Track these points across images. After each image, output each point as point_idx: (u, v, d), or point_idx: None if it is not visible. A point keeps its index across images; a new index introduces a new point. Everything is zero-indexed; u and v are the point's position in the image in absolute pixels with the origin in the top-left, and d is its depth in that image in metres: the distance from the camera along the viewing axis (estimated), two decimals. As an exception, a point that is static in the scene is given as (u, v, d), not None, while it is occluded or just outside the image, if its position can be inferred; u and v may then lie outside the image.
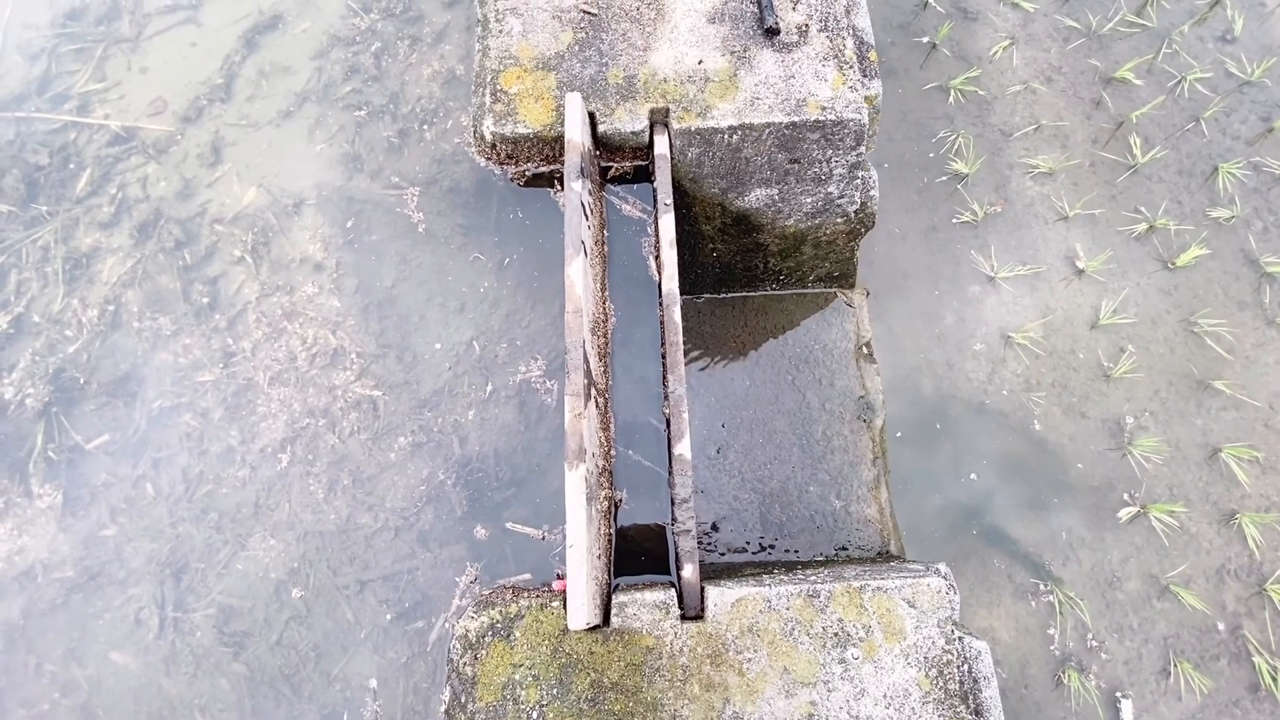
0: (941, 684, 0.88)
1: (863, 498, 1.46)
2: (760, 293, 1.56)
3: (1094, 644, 1.40)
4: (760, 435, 1.47)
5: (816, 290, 1.58)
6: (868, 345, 1.58)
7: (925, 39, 1.84)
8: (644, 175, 1.25)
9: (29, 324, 1.22)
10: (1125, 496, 1.50)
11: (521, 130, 1.13)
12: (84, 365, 1.21)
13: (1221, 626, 1.44)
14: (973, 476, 1.50)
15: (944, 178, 1.70)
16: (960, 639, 0.90)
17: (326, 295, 1.24)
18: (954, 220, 1.67)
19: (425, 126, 1.34)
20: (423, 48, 1.39)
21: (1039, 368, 1.57)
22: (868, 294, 1.61)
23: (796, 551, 1.42)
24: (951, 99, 1.77)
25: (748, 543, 1.41)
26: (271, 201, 1.30)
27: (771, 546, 1.41)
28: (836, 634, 0.89)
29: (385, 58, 1.38)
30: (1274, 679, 1.38)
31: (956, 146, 1.72)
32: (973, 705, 0.87)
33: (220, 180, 1.31)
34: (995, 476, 1.50)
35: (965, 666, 0.89)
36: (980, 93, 1.79)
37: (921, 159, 1.73)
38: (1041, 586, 1.44)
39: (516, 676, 0.87)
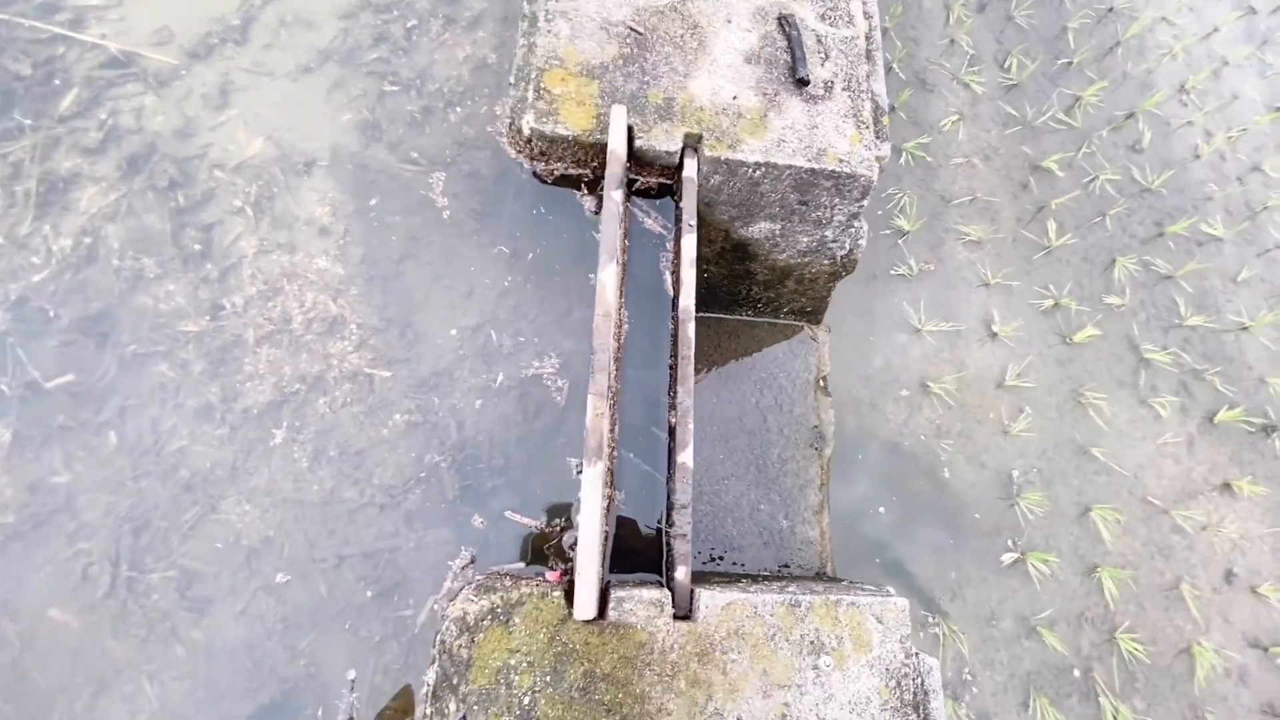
0: (898, 694, 0.98)
1: (808, 520, 1.55)
2: (736, 316, 1.64)
3: (968, 676, 1.55)
4: (721, 451, 1.54)
5: (787, 322, 1.67)
6: (825, 379, 1.68)
7: (887, 100, 2.00)
8: (665, 191, 1.31)
9: (-12, 243, 1.11)
10: (1009, 543, 1.66)
11: (561, 131, 1.16)
12: (51, 296, 1.12)
13: (1076, 667, 1.62)
14: (881, 510, 1.63)
15: (888, 231, 1.85)
16: (916, 654, 1.00)
17: (331, 261, 1.21)
18: (892, 272, 1.82)
19: (450, 108, 1.34)
20: (456, 30, 1.38)
21: (950, 417, 1.73)
22: (830, 331, 1.71)
23: (743, 565, 1.49)
24: (903, 160, 1.93)
25: (698, 552, 1.46)
26: (280, 156, 1.25)
27: (720, 558, 1.47)
28: (813, 642, 0.97)
29: (417, 32, 1.36)
30: (1115, 718, 1.58)
31: (902, 204, 1.88)
32: (923, 715, 0.98)
33: (225, 125, 1.25)
34: (901, 513, 1.63)
35: (919, 680, 0.99)
36: (928, 159, 1.96)
37: (870, 211, 1.88)
38: (930, 619, 1.57)
39: (512, 661, 0.89)
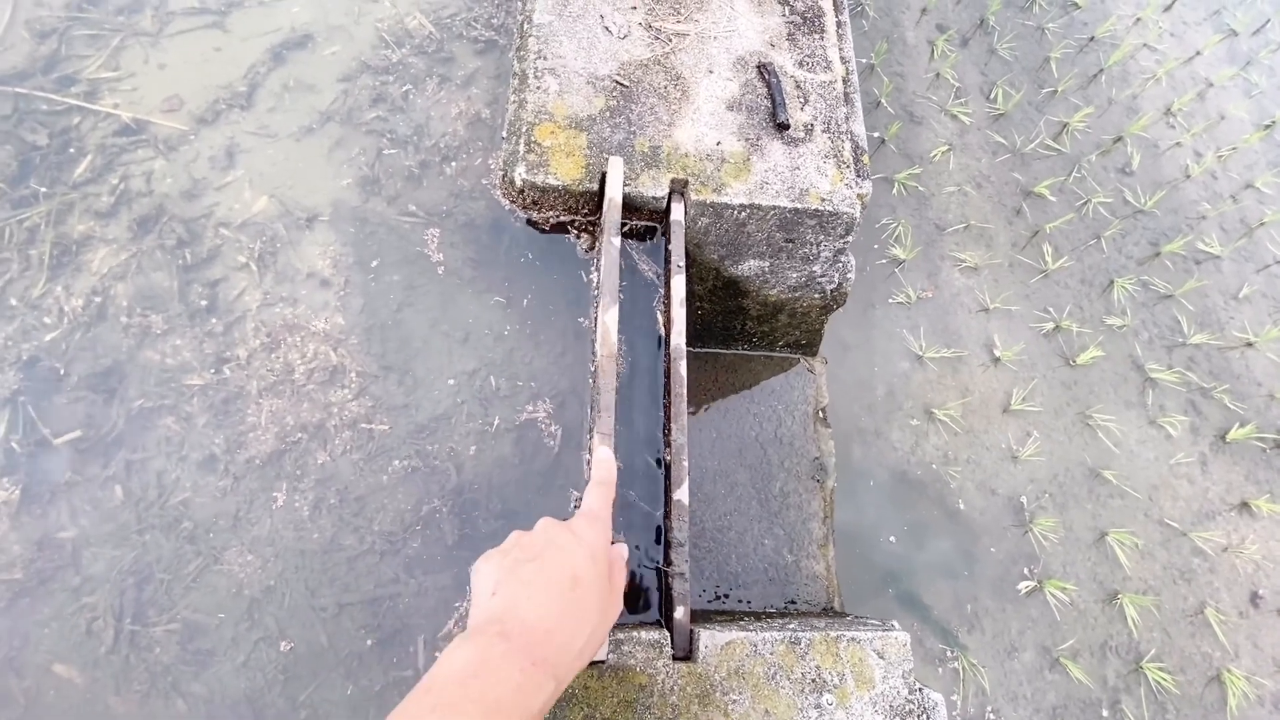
0: (904, 732, 0.96)
1: (813, 554, 1.54)
2: (732, 351, 1.66)
3: (991, 715, 1.50)
4: (723, 486, 1.54)
5: (783, 355, 1.69)
6: (824, 410, 1.69)
7: (876, 134, 2.05)
8: (652, 233, 1.34)
9: (4, 307, 1.16)
10: (1025, 571, 1.63)
11: (552, 181, 1.20)
12: (62, 355, 1.16)
13: (1103, 701, 1.57)
14: (891, 540, 1.61)
15: (884, 260, 1.87)
16: (921, 690, 0.99)
17: (331, 312, 1.25)
18: (890, 300, 1.83)
19: (446, 162, 1.39)
20: (451, 88, 1.45)
21: (956, 444, 1.72)
22: (826, 363, 1.72)
23: (749, 602, 1.47)
24: (895, 191, 1.97)
25: (703, 590, 1.45)
26: (283, 212, 1.30)
27: (726, 596, 1.46)
28: (814, 680, 0.96)
29: (413, 92, 1.43)
30: (1150, 754, 1.53)
31: (897, 234, 1.90)
32: (929, 753, 0.96)
33: (231, 185, 1.31)
34: (912, 542, 1.61)
35: (925, 717, 0.98)
36: (920, 189, 1.99)
37: (866, 243, 1.90)
38: (949, 653, 1.54)
39: (510, 707, 0.89)
